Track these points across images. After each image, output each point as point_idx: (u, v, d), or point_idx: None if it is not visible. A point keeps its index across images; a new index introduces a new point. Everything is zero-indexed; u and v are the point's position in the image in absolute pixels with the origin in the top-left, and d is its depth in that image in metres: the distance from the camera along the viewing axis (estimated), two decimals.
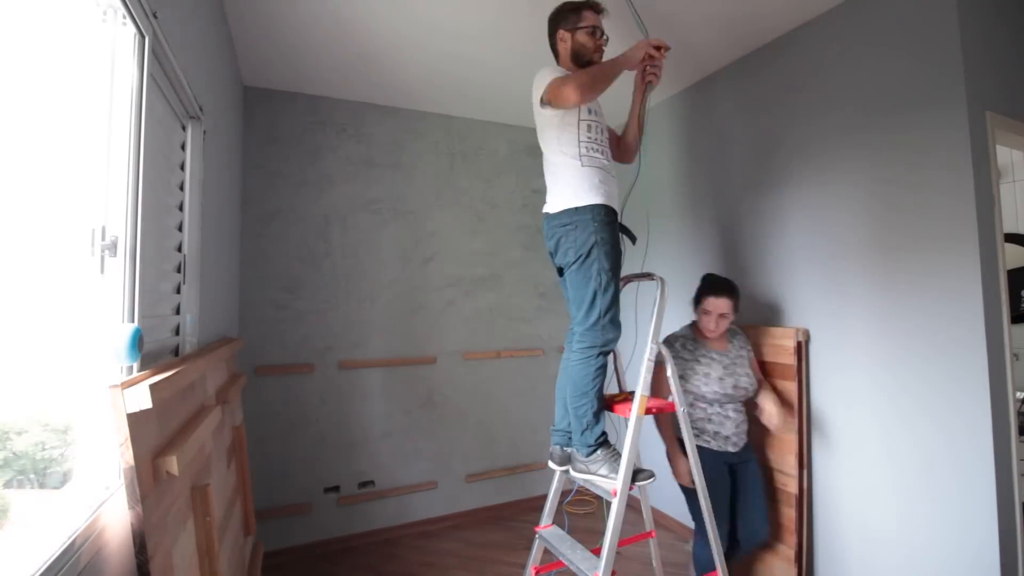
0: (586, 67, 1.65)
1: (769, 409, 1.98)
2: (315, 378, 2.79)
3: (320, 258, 2.85)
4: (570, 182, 1.62)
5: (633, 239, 1.77)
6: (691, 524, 1.97)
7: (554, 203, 1.67)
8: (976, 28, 1.75)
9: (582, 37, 1.68)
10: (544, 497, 1.92)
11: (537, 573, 1.87)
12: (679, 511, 2.85)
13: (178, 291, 1.49)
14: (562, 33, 1.72)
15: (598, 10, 1.70)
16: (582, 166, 1.62)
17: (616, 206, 1.67)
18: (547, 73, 1.62)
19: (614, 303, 1.62)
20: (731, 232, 2.59)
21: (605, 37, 1.70)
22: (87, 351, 0.97)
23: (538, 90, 1.62)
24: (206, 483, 1.16)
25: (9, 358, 0.84)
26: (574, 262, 1.61)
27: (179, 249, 1.51)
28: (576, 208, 1.60)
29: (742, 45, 2.41)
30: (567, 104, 1.56)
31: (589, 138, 1.65)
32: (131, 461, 0.78)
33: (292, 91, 2.83)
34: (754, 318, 2.42)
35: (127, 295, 1.04)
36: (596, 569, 1.50)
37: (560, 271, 1.74)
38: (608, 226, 1.61)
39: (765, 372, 2.24)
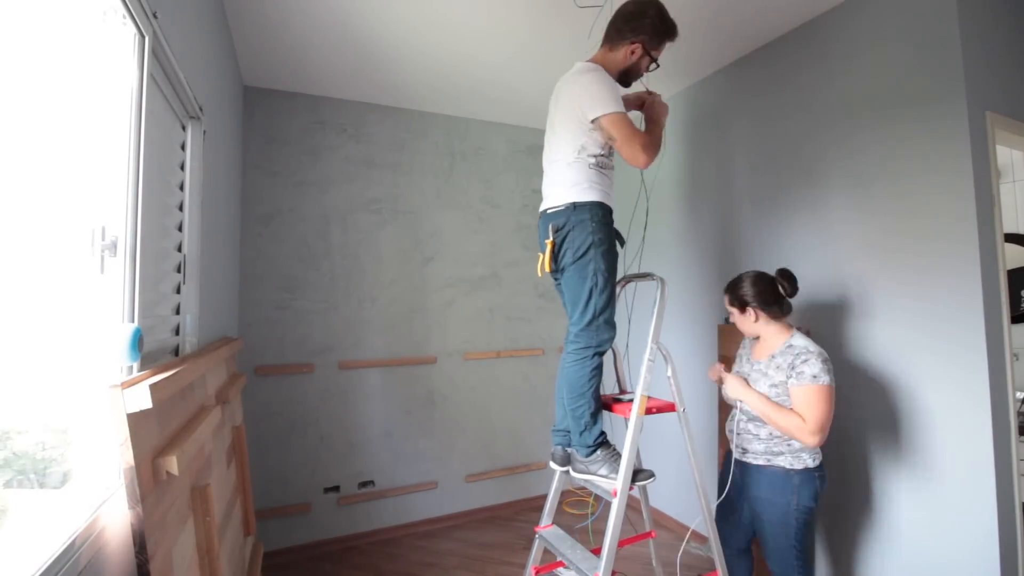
0: (624, 79, 1.65)
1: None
2: (315, 378, 2.79)
3: (320, 258, 2.85)
4: (577, 180, 1.60)
5: (622, 242, 1.71)
6: (690, 524, 1.95)
7: (556, 198, 1.64)
8: (976, 28, 1.75)
9: (645, 64, 1.64)
10: (544, 497, 1.92)
11: (537, 573, 1.87)
12: (679, 511, 2.85)
13: (178, 291, 1.49)
14: (636, 47, 1.60)
15: (673, 41, 1.63)
16: (589, 167, 1.62)
17: (612, 204, 1.67)
18: (602, 91, 1.51)
19: (609, 303, 1.62)
20: (730, 231, 2.59)
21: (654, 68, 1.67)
22: (87, 351, 0.97)
23: (593, 107, 1.52)
24: (206, 483, 1.16)
25: (9, 358, 0.84)
26: (572, 262, 1.61)
27: (179, 249, 1.51)
28: (575, 205, 1.59)
29: (742, 46, 2.41)
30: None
31: (609, 148, 1.65)
32: (131, 461, 0.78)
33: (292, 91, 2.83)
34: None
35: (127, 295, 1.04)
36: (596, 569, 1.50)
37: (554, 272, 1.74)
38: (606, 226, 1.61)
39: None
